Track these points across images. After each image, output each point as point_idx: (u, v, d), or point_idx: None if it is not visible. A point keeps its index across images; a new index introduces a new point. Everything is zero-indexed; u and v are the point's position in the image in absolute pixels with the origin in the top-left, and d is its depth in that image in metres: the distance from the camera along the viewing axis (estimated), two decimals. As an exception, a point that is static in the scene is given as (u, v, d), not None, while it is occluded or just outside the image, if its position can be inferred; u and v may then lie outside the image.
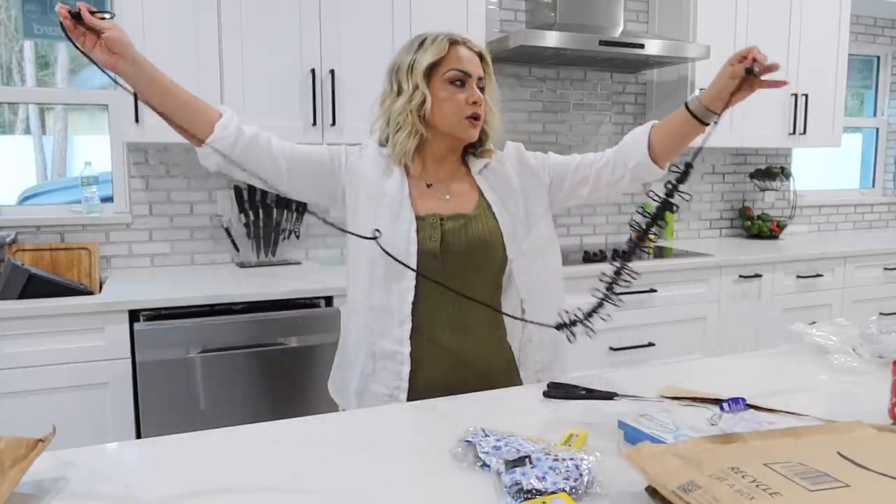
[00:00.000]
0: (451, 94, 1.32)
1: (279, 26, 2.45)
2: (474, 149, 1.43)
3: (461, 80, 1.32)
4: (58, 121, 2.77)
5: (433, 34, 1.35)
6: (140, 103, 2.28)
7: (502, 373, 1.39)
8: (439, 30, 1.37)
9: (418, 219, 1.33)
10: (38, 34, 2.59)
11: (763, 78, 1.22)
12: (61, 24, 1.12)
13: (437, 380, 1.33)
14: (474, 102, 1.32)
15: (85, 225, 2.61)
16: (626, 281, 1.12)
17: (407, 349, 1.32)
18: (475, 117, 1.33)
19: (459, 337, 1.34)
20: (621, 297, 1.12)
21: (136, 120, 2.29)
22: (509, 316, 1.36)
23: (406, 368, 1.32)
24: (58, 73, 2.71)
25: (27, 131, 2.75)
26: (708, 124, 1.30)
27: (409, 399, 1.32)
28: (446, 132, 1.35)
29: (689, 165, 1.13)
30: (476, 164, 1.41)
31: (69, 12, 1.11)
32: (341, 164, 1.39)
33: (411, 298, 1.31)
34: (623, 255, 1.12)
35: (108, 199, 2.70)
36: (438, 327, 1.33)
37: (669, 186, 1.12)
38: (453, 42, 1.33)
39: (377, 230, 1.28)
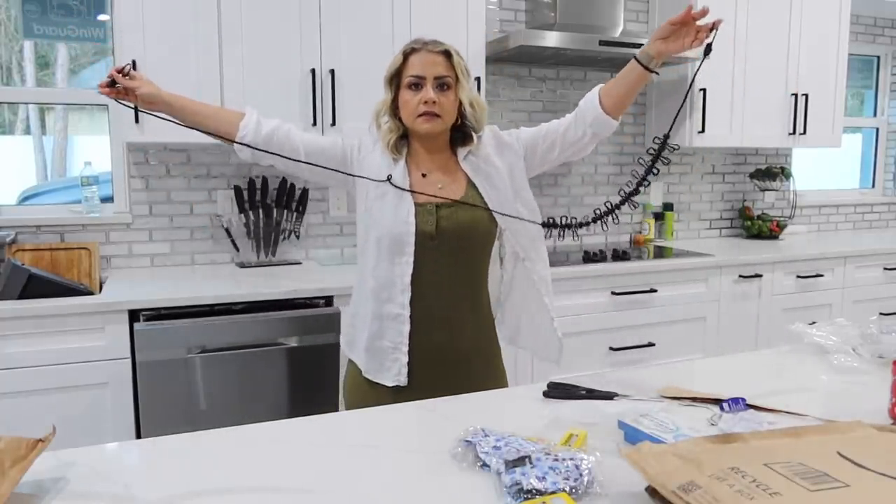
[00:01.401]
0: (409, 97, 1.52)
1: (279, 26, 2.45)
2: (462, 140, 1.61)
3: (416, 84, 1.51)
4: (58, 121, 2.77)
5: (405, 45, 1.56)
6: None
7: (485, 334, 1.65)
8: (418, 36, 1.57)
9: (417, 206, 1.53)
10: (38, 34, 2.59)
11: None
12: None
13: (432, 338, 1.55)
14: (424, 102, 1.50)
15: (85, 225, 2.61)
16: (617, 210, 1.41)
17: (408, 312, 1.54)
18: (425, 114, 1.51)
19: (452, 304, 1.57)
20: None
21: (136, 120, 2.29)
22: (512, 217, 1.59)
23: (407, 328, 1.54)
24: (58, 73, 2.71)
25: (27, 131, 2.75)
26: (653, 71, 1.47)
27: (410, 352, 1.54)
28: (411, 129, 1.56)
29: (666, 136, 1.36)
30: (461, 153, 1.60)
31: (107, 85, 1.44)
32: (353, 158, 1.60)
33: (410, 271, 1.52)
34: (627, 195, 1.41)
35: (108, 199, 2.70)
36: (434, 295, 1.55)
37: (657, 144, 1.37)
38: (409, 52, 1.53)
39: (390, 175, 1.53)
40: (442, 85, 1.52)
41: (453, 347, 1.57)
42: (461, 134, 1.60)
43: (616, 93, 1.52)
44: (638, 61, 1.46)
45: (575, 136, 1.60)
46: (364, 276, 1.61)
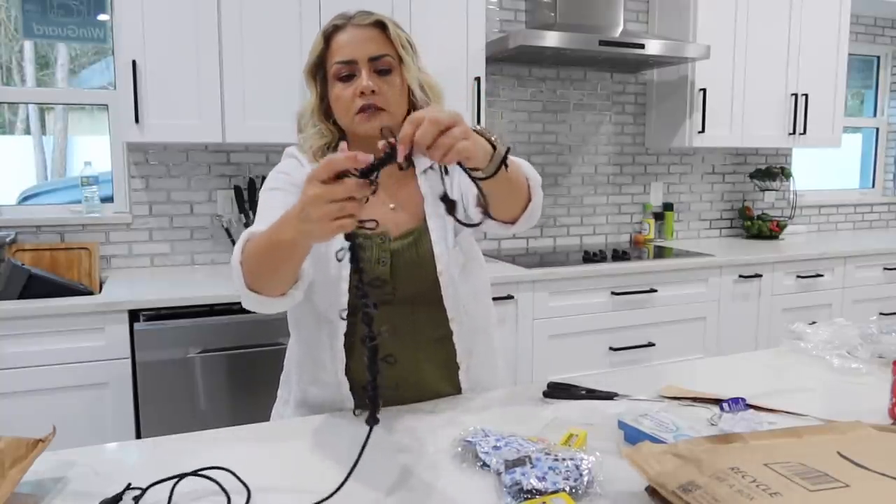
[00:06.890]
0: (341, 90, 1.17)
1: (279, 26, 2.45)
2: None
3: (346, 73, 1.17)
4: (58, 121, 2.77)
5: (325, 24, 1.22)
6: (142, 106, 2.29)
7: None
8: (342, 11, 1.21)
9: (361, 237, 1.12)
10: (38, 34, 2.59)
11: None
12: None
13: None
14: (361, 94, 1.15)
15: (85, 225, 2.61)
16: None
17: (345, 387, 1.20)
18: (364, 109, 1.16)
19: (404, 367, 1.16)
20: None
21: (136, 120, 2.29)
22: None
23: (350, 403, 1.20)
24: (58, 73, 2.71)
25: (27, 131, 2.75)
26: (485, 177, 1.01)
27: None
28: (351, 132, 1.22)
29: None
30: (421, 163, 1.23)
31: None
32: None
33: (343, 331, 1.18)
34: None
35: (108, 199, 2.70)
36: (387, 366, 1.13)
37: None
38: (330, 33, 1.19)
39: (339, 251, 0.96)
40: (381, 68, 1.17)
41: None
42: None
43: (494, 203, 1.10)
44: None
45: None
46: (292, 338, 1.27)
